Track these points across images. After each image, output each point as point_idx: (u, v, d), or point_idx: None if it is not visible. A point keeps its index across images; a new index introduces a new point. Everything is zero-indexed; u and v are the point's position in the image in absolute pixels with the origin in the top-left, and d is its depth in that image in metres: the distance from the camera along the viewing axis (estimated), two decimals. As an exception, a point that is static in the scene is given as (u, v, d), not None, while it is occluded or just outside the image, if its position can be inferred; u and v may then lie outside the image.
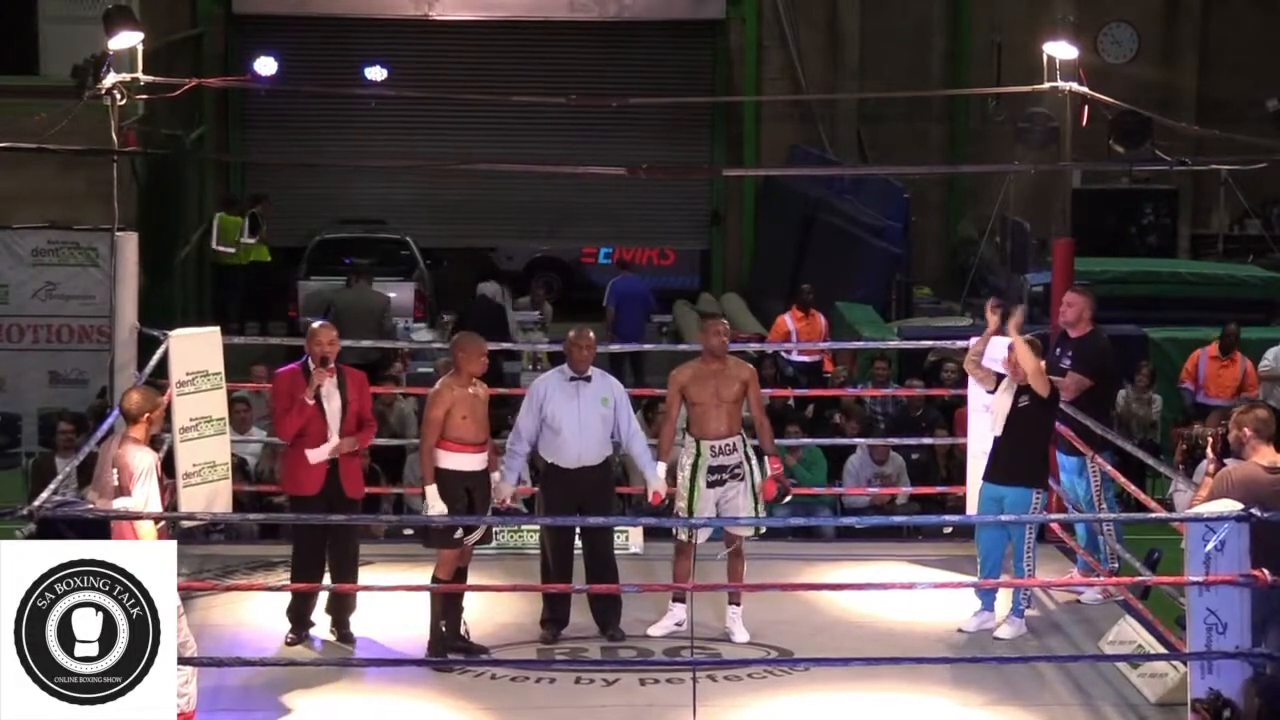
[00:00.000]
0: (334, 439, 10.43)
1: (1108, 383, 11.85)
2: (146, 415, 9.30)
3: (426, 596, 10.29)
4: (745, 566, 10.70)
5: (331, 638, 10.56)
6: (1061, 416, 11.32)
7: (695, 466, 10.55)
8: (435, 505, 10.14)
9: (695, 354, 10.99)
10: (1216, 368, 16.69)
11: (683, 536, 10.63)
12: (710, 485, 10.54)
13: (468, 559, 10.43)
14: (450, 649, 10.27)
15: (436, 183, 26.56)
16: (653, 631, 10.63)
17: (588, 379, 10.60)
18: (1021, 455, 10.61)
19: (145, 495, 9.01)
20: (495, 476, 10.44)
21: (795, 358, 18.03)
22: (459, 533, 10.19)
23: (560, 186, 25.67)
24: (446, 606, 10.23)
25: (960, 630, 10.76)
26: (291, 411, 10.41)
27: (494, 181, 25.84)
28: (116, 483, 9.11)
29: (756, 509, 10.63)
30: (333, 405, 10.44)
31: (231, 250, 22.94)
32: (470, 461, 10.26)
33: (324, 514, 10.18)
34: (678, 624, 10.64)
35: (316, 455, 10.40)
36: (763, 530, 10.88)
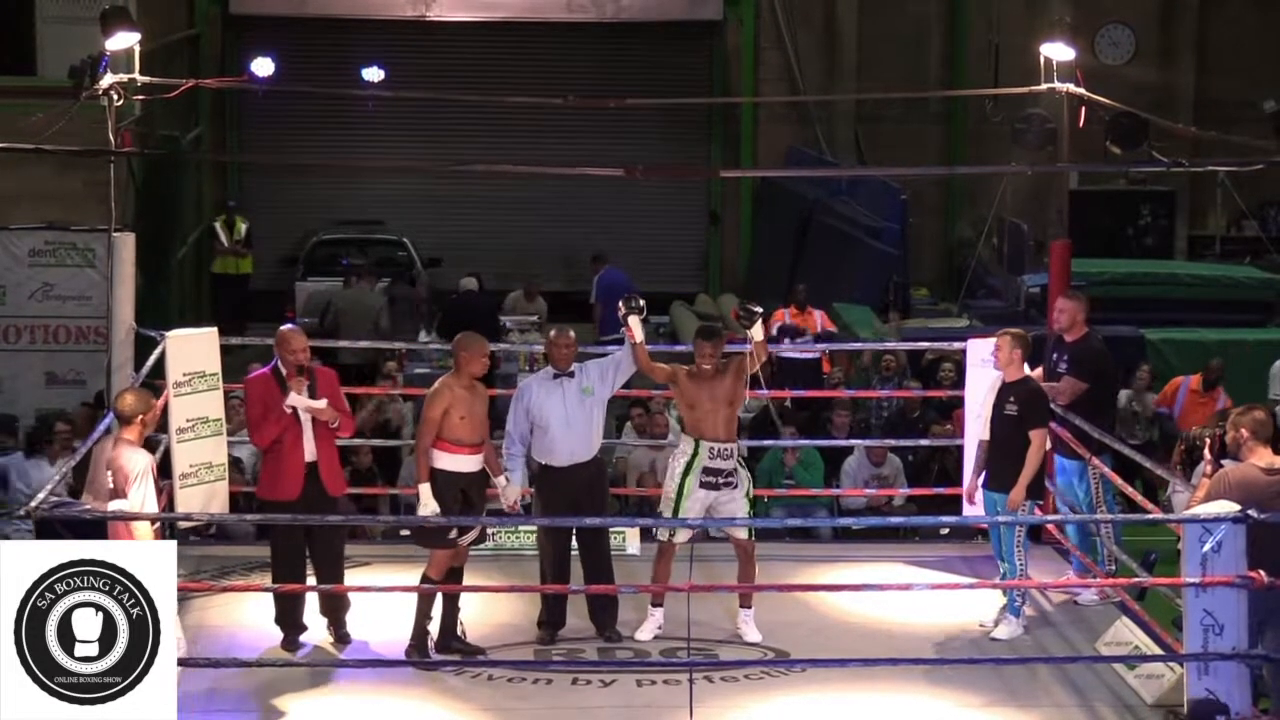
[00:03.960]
0: (310, 443, 10.38)
1: (1105, 385, 11.84)
2: (140, 417, 9.30)
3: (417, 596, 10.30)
4: (757, 567, 10.71)
5: (328, 639, 10.55)
6: (1060, 420, 11.34)
7: (689, 467, 10.55)
8: (429, 504, 10.14)
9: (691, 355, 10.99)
10: (1195, 401, 16.31)
11: (663, 537, 10.65)
12: (703, 486, 10.54)
13: (463, 560, 10.44)
14: (447, 649, 10.29)
15: (435, 189, 26.58)
16: (638, 636, 10.64)
17: (570, 375, 10.63)
18: (1010, 465, 10.62)
19: (141, 497, 9.01)
20: (501, 480, 10.45)
21: (789, 354, 18.04)
22: (453, 533, 10.19)
23: (556, 191, 25.70)
24: (435, 606, 10.25)
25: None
26: (269, 419, 10.32)
27: (490, 191, 25.87)
28: (111, 485, 9.11)
29: (751, 514, 10.64)
30: (307, 400, 10.37)
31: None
32: (466, 463, 10.26)
33: (307, 516, 10.17)
34: (659, 627, 10.66)
35: (295, 400, 10.27)
36: (754, 531, 10.85)
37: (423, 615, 10.24)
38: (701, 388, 10.60)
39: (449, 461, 10.23)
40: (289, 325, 10.88)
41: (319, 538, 10.43)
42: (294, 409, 10.32)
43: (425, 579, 10.28)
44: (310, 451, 10.39)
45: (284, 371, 10.38)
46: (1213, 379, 16.36)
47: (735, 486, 10.59)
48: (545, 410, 10.56)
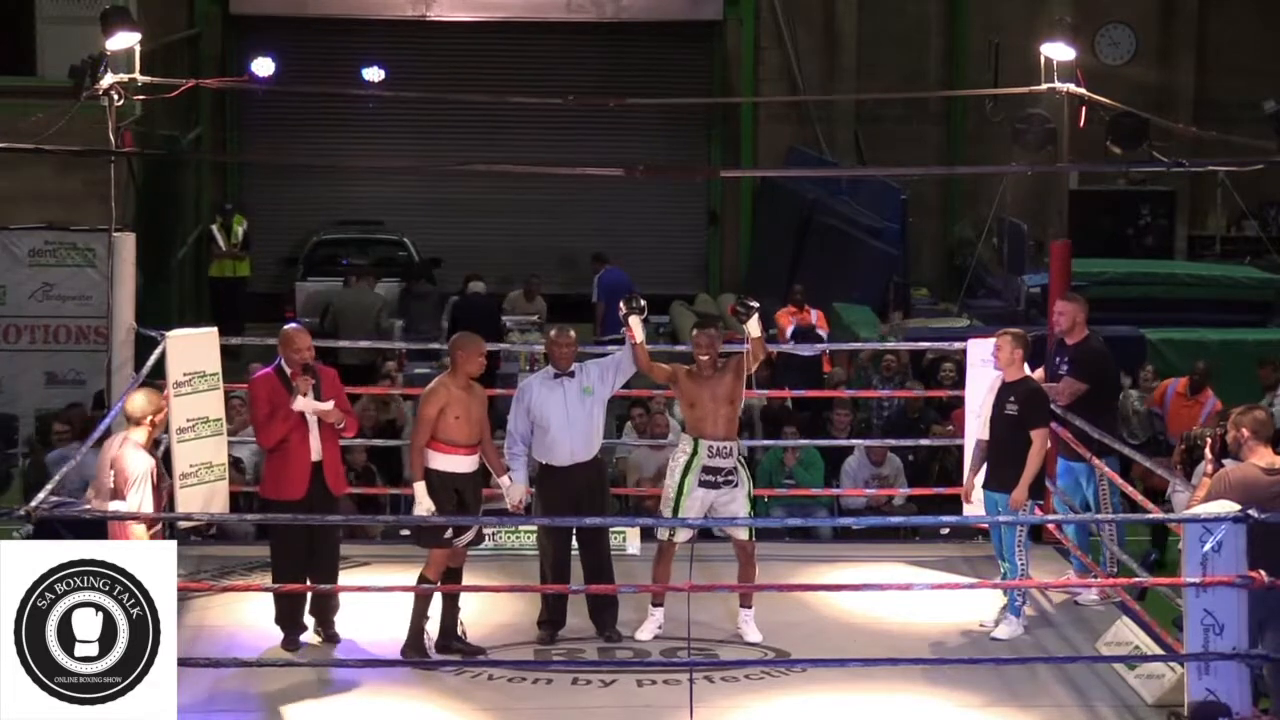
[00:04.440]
0: (316, 442, 10.38)
1: (1108, 387, 11.85)
2: (150, 418, 9.29)
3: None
4: (757, 569, 10.70)
5: (315, 638, 10.54)
6: (1062, 421, 11.34)
7: (689, 466, 10.55)
8: (423, 503, 10.15)
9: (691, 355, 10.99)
10: (1181, 403, 16.04)
11: (663, 536, 10.65)
12: (703, 485, 10.54)
13: (461, 560, 10.43)
14: (447, 650, 10.29)
15: (434, 190, 26.58)
16: (639, 636, 10.63)
17: (571, 375, 10.64)
18: (1011, 465, 10.62)
19: (138, 502, 9.01)
20: (505, 480, 10.45)
21: (793, 351, 18.06)
22: (449, 533, 10.19)
23: (556, 192, 25.70)
24: (432, 607, 10.25)
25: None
26: (275, 419, 10.31)
27: (489, 191, 25.86)
28: (111, 485, 9.11)
29: (752, 513, 10.63)
30: (315, 403, 10.37)
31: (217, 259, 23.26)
32: (461, 464, 10.26)
33: (311, 515, 10.17)
34: (660, 627, 10.65)
35: (303, 404, 10.27)
36: (754, 532, 10.83)
37: (419, 615, 10.24)
38: (702, 386, 10.60)
39: (443, 462, 10.22)
40: (293, 324, 10.86)
41: (320, 537, 10.43)
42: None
43: (422, 579, 10.28)
44: (316, 451, 10.39)
45: (288, 371, 10.38)
46: (1199, 382, 16.06)
47: (736, 485, 10.58)
48: (546, 410, 10.56)
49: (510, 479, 10.48)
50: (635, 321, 10.67)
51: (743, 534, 10.63)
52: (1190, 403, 15.87)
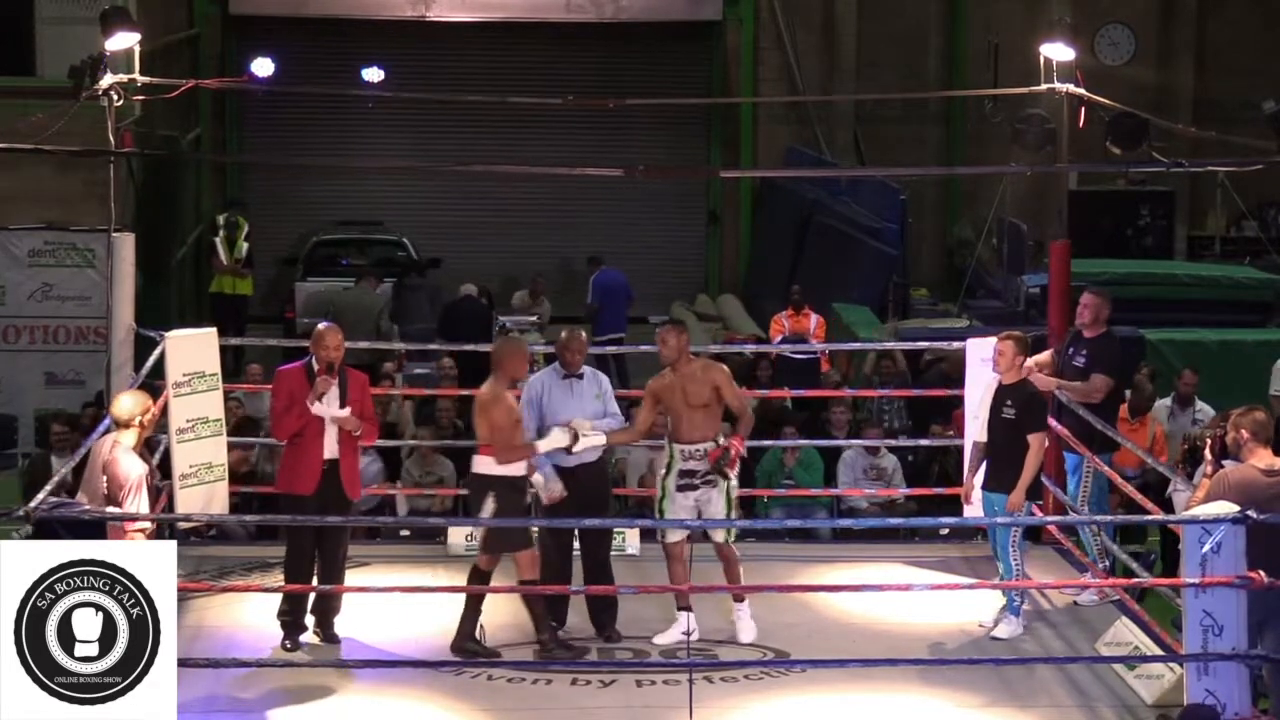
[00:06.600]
0: (332, 441, 10.39)
1: (1118, 385, 11.85)
2: (138, 420, 9.28)
3: (421, 599, 10.29)
4: (741, 568, 10.67)
5: (315, 638, 10.54)
6: (1067, 415, 11.34)
7: (668, 469, 10.55)
8: (487, 510, 10.15)
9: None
10: (1124, 430, 13.86)
11: (669, 539, 10.62)
12: (681, 489, 10.50)
13: (493, 564, 10.40)
14: (462, 651, 10.24)
15: (434, 190, 26.57)
16: (659, 640, 10.58)
17: (580, 376, 10.63)
18: (1008, 467, 10.63)
19: (135, 509, 9.00)
20: (538, 479, 10.43)
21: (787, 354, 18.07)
22: (535, 531, 10.18)
23: (555, 193, 25.70)
24: (481, 604, 10.24)
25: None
26: (291, 413, 10.35)
27: (489, 193, 25.86)
28: (105, 490, 9.10)
29: (729, 514, 10.58)
30: (332, 409, 10.40)
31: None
32: (523, 466, 10.29)
33: (319, 514, 10.17)
34: (685, 633, 10.56)
35: (320, 409, 10.31)
36: (734, 535, 10.73)
37: (473, 613, 10.20)
38: (673, 391, 10.55)
39: (516, 469, 10.22)
40: (326, 323, 10.87)
41: (327, 538, 10.43)
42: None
43: (474, 576, 10.25)
44: (331, 450, 10.40)
45: (315, 368, 10.40)
46: (1142, 404, 14.68)
47: (714, 485, 10.53)
48: (558, 411, 10.52)
49: (542, 475, 10.45)
50: (593, 438, 10.57)
51: (719, 535, 10.58)
52: (1134, 426, 14.51)
